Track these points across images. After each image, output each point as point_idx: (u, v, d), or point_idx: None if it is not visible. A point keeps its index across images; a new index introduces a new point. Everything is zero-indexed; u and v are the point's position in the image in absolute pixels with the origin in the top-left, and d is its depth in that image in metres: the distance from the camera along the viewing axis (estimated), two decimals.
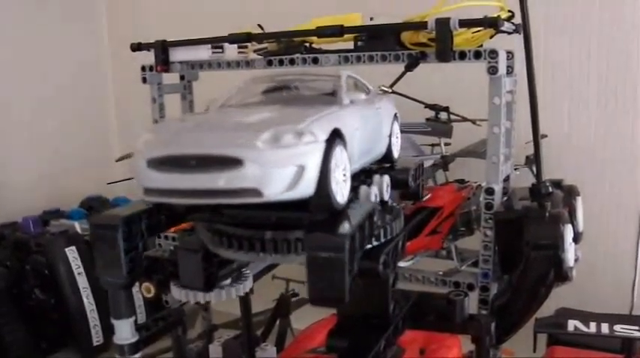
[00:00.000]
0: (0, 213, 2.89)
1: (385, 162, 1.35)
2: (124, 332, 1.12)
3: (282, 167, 0.88)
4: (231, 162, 0.88)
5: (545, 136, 2.02)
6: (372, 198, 1.11)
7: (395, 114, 1.43)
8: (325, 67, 1.78)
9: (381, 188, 1.17)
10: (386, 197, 1.19)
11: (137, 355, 1.15)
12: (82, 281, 2.55)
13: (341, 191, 0.97)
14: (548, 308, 1.57)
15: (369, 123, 1.21)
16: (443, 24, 1.52)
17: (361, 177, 1.20)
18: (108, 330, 2.50)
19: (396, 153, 1.39)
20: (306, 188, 0.90)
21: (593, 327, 1.40)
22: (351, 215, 0.97)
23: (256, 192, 0.88)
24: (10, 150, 3.11)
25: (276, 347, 1.82)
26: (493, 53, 1.53)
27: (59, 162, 3.29)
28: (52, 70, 3.23)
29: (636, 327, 1.38)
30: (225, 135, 0.94)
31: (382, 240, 1.08)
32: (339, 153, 0.97)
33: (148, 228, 1.03)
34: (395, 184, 1.24)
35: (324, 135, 0.93)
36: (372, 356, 1.06)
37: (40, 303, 2.57)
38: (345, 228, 0.91)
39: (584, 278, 1.72)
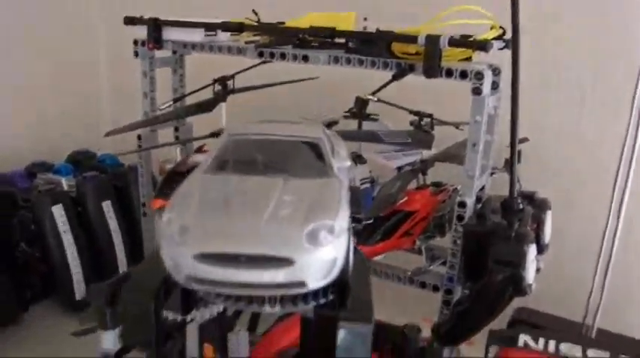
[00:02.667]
0: None
1: None
2: (109, 342, 1.21)
3: (323, 262, 1.01)
4: (284, 261, 0.98)
5: (527, 140, 2.06)
6: None
7: None
8: (316, 64, 1.80)
9: None
10: None
11: None
12: (67, 239, 2.62)
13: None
14: (509, 306, 1.66)
15: None
16: (432, 42, 1.54)
17: None
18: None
19: None
20: (335, 274, 1.03)
21: (541, 344, 1.51)
22: None
23: (302, 284, 1.00)
24: None
25: (249, 331, 1.92)
26: (479, 74, 1.55)
27: (46, 115, 3.27)
28: (42, 29, 3.16)
29: (579, 346, 1.50)
30: (274, 235, 1.00)
31: None
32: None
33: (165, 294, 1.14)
34: None
35: (346, 225, 1.06)
36: None
37: (25, 255, 2.65)
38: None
39: (546, 281, 1.82)
